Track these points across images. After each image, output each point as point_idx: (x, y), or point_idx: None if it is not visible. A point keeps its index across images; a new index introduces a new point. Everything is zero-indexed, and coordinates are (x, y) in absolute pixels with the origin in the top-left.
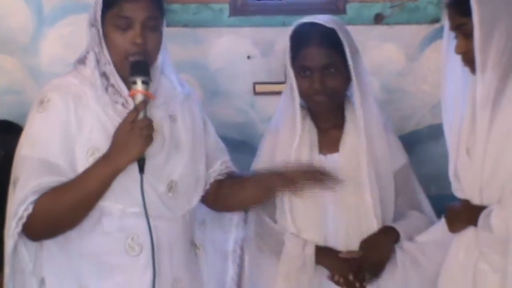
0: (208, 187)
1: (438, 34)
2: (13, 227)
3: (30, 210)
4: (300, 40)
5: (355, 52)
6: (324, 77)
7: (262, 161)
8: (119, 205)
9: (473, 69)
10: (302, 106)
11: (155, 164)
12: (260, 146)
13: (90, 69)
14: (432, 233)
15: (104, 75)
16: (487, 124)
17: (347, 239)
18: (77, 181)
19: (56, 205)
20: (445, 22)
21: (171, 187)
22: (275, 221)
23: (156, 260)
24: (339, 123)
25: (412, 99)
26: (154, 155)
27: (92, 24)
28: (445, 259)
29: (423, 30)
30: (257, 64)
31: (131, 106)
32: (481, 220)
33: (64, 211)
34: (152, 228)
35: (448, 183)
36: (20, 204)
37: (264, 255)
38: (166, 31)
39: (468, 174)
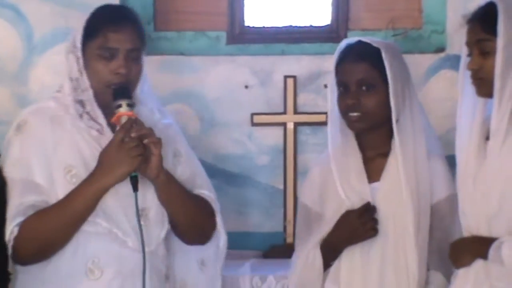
0: None
1: (443, 64)
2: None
3: (15, 232)
4: (341, 56)
5: (403, 76)
6: (358, 93)
7: (311, 190)
8: (105, 223)
9: (480, 89)
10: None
11: (126, 191)
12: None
13: (65, 96)
14: None
15: (80, 102)
16: (497, 153)
17: (383, 268)
18: (63, 202)
19: (43, 227)
20: (463, 46)
21: (142, 213)
22: None
23: (119, 287)
24: (385, 152)
25: None
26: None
27: (71, 51)
28: None
29: (427, 59)
30: (255, 94)
31: (106, 132)
32: (491, 252)
33: (51, 232)
34: (119, 255)
35: None
36: (6, 226)
37: None
38: (163, 59)
39: (475, 206)
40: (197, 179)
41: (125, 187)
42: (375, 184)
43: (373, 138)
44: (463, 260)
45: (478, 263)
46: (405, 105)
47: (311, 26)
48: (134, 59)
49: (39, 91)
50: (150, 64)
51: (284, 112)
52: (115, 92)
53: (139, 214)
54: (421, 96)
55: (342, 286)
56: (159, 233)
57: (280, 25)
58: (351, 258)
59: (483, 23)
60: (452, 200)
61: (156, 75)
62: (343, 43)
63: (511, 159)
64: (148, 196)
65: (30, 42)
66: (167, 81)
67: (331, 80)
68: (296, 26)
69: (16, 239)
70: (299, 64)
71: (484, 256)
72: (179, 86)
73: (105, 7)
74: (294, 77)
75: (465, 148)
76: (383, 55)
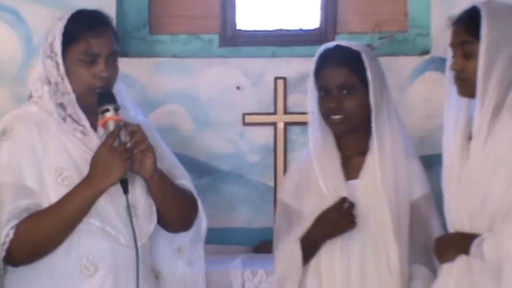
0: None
1: (427, 66)
2: None
3: (11, 235)
4: (322, 60)
5: (380, 79)
6: (341, 97)
7: (290, 187)
8: (97, 222)
9: (462, 89)
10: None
11: (116, 191)
12: (288, 172)
13: (45, 101)
14: None
15: (60, 105)
16: (479, 153)
17: (364, 262)
18: (58, 205)
19: (38, 229)
20: (448, 48)
21: (131, 210)
22: None
23: (112, 283)
24: (363, 151)
25: None
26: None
27: (48, 57)
28: (434, 287)
29: (413, 61)
30: (247, 95)
31: (90, 133)
32: (473, 248)
33: (46, 234)
34: (111, 250)
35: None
36: (1, 230)
37: None
38: (157, 61)
39: (459, 203)
40: (176, 171)
41: (115, 187)
42: (354, 182)
43: (352, 138)
44: (447, 255)
45: (461, 259)
46: (383, 106)
47: (300, 29)
48: (112, 62)
49: None
50: (145, 66)
51: (275, 112)
52: (100, 97)
53: (131, 215)
54: (407, 97)
55: (323, 279)
56: (148, 227)
57: (270, 29)
58: (331, 252)
59: (467, 26)
60: (429, 198)
61: (151, 77)
62: (322, 48)
63: (492, 159)
64: (136, 192)
65: (30, 45)
66: (162, 82)
67: (310, 84)
68: (286, 30)
69: (12, 241)
70: (289, 66)
71: (467, 251)
72: (173, 87)
73: (82, 13)
74: (284, 78)
75: (450, 147)
76: (363, 58)
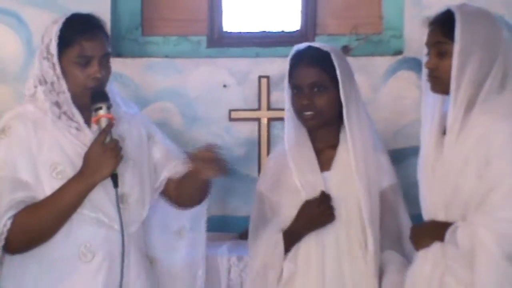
0: (161, 189)
1: (400, 65)
2: None
3: (8, 225)
4: (295, 61)
5: (349, 77)
6: (312, 95)
7: (267, 179)
8: (90, 212)
9: (435, 86)
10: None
11: (107, 182)
12: (265, 165)
13: (40, 101)
14: None
15: (56, 104)
16: (453, 146)
17: (338, 250)
18: (53, 197)
19: (34, 220)
20: (424, 48)
21: (122, 199)
22: None
23: (107, 268)
24: (334, 144)
25: (376, 125)
26: (125, 168)
27: (45, 58)
28: (410, 272)
29: (387, 61)
30: (233, 92)
31: (84, 129)
32: (448, 235)
33: (42, 224)
34: (107, 238)
35: (410, 204)
36: None
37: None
38: (149, 61)
39: (434, 193)
40: (172, 151)
41: (108, 179)
42: (326, 173)
43: (323, 133)
44: (422, 242)
45: (436, 245)
46: (352, 102)
47: (282, 31)
48: (105, 62)
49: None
50: (138, 66)
51: (259, 109)
52: (93, 95)
53: (119, 208)
54: (381, 94)
55: (299, 266)
56: (141, 213)
57: (255, 31)
58: (307, 241)
59: (442, 27)
60: (395, 188)
61: (143, 76)
62: (294, 50)
63: (464, 152)
64: (126, 182)
65: (30, 46)
66: (154, 81)
67: (285, 82)
68: (269, 32)
69: (9, 231)
70: (272, 65)
71: (441, 239)
72: (164, 85)
73: (75, 16)
74: (267, 77)
75: (426, 140)
76: (333, 57)
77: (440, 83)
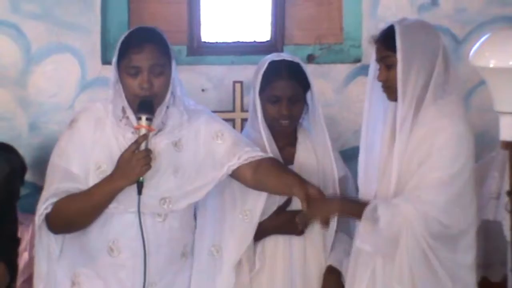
0: (227, 174)
1: (359, 72)
2: (36, 220)
3: (49, 209)
4: (272, 74)
5: (311, 85)
6: (290, 105)
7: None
8: (120, 206)
9: (390, 95)
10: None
11: (150, 184)
12: None
13: (107, 102)
14: None
15: (121, 108)
16: (403, 144)
17: (304, 243)
18: (86, 193)
19: (68, 210)
20: (372, 57)
21: (164, 202)
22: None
23: (132, 267)
24: (291, 142)
25: (338, 125)
26: (152, 176)
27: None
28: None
29: (347, 68)
30: (210, 96)
31: (140, 133)
32: (367, 212)
33: (73, 215)
34: (134, 238)
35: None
36: (43, 202)
37: None
38: None
39: (381, 186)
40: (240, 143)
41: (152, 181)
42: (290, 167)
43: (285, 133)
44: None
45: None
46: (314, 108)
47: (254, 41)
48: (157, 74)
49: (36, 94)
50: None
51: (233, 110)
52: (139, 105)
53: (140, 215)
54: (342, 97)
55: (266, 262)
56: (182, 205)
57: (230, 41)
58: (275, 236)
59: (385, 43)
60: (348, 179)
61: None
62: (267, 62)
63: (411, 148)
64: (172, 188)
65: (28, 54)
66: None
67: (256, 90)
68: (243, 41)
69: (49, 214)
70: (245, 72)
71: (355, 214)
72: None
73: (136, 30)
74: (241, 82)
75: (378, 142)
76: (304, 70)
77: (392, 92)
